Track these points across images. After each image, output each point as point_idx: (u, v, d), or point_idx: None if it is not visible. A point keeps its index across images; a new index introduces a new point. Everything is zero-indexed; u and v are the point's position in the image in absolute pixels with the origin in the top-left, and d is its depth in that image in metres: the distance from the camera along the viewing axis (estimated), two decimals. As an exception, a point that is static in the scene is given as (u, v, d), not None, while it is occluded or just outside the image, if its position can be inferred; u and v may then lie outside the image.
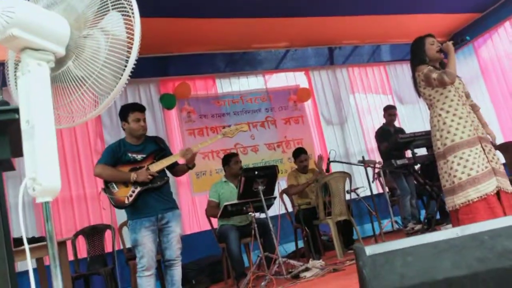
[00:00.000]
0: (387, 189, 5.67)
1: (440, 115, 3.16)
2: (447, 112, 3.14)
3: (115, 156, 3.18)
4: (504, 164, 4.74)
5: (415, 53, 3.35)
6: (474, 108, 3.35)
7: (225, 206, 4.04)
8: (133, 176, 3.06)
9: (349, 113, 7.42)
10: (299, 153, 5.36)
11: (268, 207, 4.06)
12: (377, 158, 6.15)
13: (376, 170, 5.55)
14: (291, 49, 7.21)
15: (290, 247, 5.42)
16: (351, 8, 6.11)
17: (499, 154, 4.64)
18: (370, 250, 1.45)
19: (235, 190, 4.41)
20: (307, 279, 3.61)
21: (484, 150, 3.06)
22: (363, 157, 5.29)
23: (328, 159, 5.48)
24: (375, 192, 5.57)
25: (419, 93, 3.36)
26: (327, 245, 5.40)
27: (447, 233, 1.44)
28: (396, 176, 5.60)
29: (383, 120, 6.08)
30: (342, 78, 7.53)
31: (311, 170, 5.39)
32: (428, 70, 3.18)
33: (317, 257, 4.43)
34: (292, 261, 3.98)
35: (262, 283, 3.55)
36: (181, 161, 3.38)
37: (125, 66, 1.32)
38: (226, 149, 6.28)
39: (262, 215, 4.08)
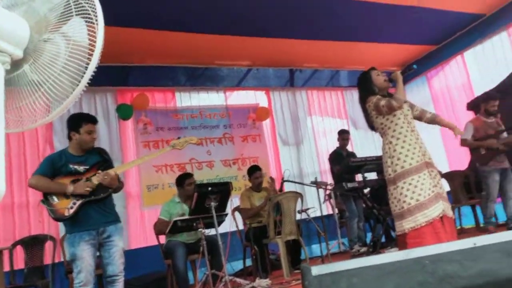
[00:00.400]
0: (336, 211, 5.80)
1: (391, 142, 3.30)
2: (397, 139, 3.28)
3: (54, 167, 3.02)
4: (448, 192, 5.01)
5: (364, 86, 3.52)
6: (435, 117, 3.53)
7: (175, 221, 3.97)
8: (70, 188, 2.93)
9: (305, 134, 7.58)
10: (254, 170, 5.39)
11: (219, 223, 4.04)
12: (330, 180, 6.29)
13: (327, 192, 5.66)
14: (253, 68, 7.32)
15: (238, 265, 5.40)
16: (311, 32, 6.30)
17: (444, 182, 4.88)
18: (317, 270, 1.47)
19: (188, 211, 4.30)
20: (254, 297, 3.61)
21: (430, 175, 3.21)
22: (316, 178, 5.39)
23: (282, 178, 5.55)
24: (325, 213, 5.69)
25: (371, 126, 3.50)
26: (275, 264, 5.42)
27: (392, 256, 1.49)
28: (346, 199, 5.74)
29: (337, 144, 6.25)
30: (301, 100, 7.71)
31: (265, 189, 5.43)
32: (377, 99, 3.34)
33: (264, 276, 4.43)
34: (238, 280, 3.97)
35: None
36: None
37: (84, 73, 1.30)
38: (181, 163, 6.23)
39: (212, 232, 4.05)
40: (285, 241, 4.70)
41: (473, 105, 6.07)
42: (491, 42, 6.92)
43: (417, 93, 8.14)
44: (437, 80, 7.96)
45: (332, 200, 5.70)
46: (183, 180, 4.70)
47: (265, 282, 3.88)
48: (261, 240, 4.86)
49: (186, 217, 4.04)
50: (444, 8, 6.28)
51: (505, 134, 4.94)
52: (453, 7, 6.35)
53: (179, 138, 3.46)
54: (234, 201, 4.92)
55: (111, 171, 3.02)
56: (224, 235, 4.09)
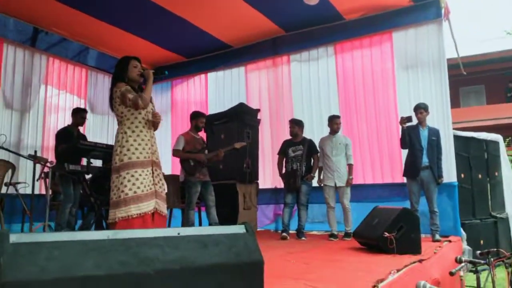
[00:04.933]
0: (50, 192, 5.40)
1: (125, 132, 3.35)
2: (133, 132, 3.36)
3: None
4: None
5: (118, 70, 3.51)
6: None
7: None
8: None
9: (34, 103, 6.80)
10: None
11: None
12: (51, 158, 5.81)
13: (46, 170, 5.22)
14: (-8, 10, 6.15)
15: None
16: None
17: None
18: (16, 238, 1.37)
19: None
20: None
21: (153, 173, 3.40)
22: (35, 151, 4.90)
23: (-6, 143, 4.81)
24: (37, 192, 5.20)
25: (112, 108, 3.48)
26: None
27: (99, 234, 1.52)
28: (65, 181, 5.38)
29: (69, 121, 5.84)
30: (39, 64, 6.89)
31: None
32: (126, 90, 3.36)
33: None
34: None
35: None
36: None
37: None
38: None
39: None
40: (-22, 214, 4.09)
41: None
42: (230, 72, 7.93)
43: (160, 96, 8.56)
44: (180, 89, 8.58)
45: (49, 180, 5.27)
46: None
47: None
48: None
49: None
50: (203, 28, 6.87)
51: (206, 151, 5.61)
52: (211, 30, 7.02)
53: None
54: None
55: None
56: None
